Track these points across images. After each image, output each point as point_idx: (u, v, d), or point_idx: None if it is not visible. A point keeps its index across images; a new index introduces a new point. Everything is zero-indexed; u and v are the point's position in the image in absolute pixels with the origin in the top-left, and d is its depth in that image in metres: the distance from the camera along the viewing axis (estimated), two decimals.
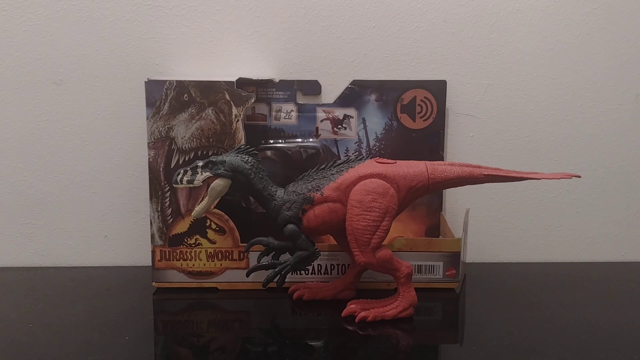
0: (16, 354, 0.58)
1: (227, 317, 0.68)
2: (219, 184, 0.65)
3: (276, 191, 0.66)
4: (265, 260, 0.68)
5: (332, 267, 0.73)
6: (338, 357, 0.58)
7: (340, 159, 0.78)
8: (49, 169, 0.81)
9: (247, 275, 0.69)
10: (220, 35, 0.79)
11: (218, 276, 0.73)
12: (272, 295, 0.71)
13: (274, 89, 0.78)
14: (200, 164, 0.65)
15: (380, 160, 0.67)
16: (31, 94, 0.79)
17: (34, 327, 0.64)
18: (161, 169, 0.72)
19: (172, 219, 0.72)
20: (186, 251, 0.73)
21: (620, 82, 0.82)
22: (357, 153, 0.79)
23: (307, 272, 0.73)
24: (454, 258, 0.73)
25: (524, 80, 0.81)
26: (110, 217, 0.82)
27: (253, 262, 0.71)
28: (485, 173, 0.66)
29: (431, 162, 0.67)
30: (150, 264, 0.74)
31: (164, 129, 0.71)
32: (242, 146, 0.67)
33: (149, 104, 0.71)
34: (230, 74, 0.76)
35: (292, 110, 0.78)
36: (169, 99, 0.70)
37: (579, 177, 0.67)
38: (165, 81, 0.70)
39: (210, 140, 0.71)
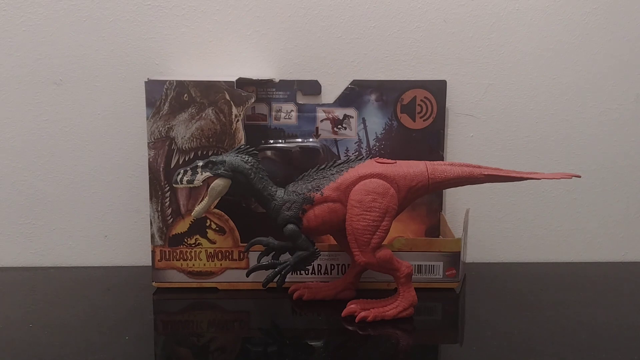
0: (16, 354, 0.58)
1: (227, 317, 0.68)
2: (219, 184, 0.65)
3: (276, 191, 0.66)
4: (265, 260, 0.68)
5: (332, 267, 0.73)
6: (338, 357, 0.58)
7: (340, 159, 0.78)
8: (49, 169, 0.81)
9: (247, 275, 0.69)
10: (220, 35, 0.79)
11: (218, 276, 0.73)
12: (272, 295, 0.71)
13: (274, 89, 0.78)
14: (200, 164, 0.65)
15: (380, 160, 0.67)
16: (31, 94, 0.79)
17: (34, 327, 0.64)
18: (161, 169, 0.72)
19: (172, 219, 0.72)
20: (186, 251, 0.73)
21: (620, 82, 0.82)
22: (357, 153, 0.79)
23: (307, 272, 0.73)
24: (454, 258, 0.73)
25: (524, 80, 0.81)
26: (111, 217, 0.82)
27: (253, 262, 0.71)
28: (485, 173, 0.66)
29: (431, 162, 0.67)
30: (150, 264, 0.74)
31: (164, 129, 0.71)
32: (242, 146, 0.67)
33: (149, 104, 0.71)
34: (230, 74, 0.76)
35: (292, 110, 0.78)
36: (169, 99, 0.70)
37: (579, 177, 0.67)
38: (165, 81, 0.70)
39: (210, 140, 0.71)
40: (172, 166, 0.71)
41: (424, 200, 0.79)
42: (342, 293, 0.70)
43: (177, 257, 0.73)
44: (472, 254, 0.84)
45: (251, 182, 0.65)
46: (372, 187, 0.64)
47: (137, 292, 0.73)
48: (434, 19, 0.80)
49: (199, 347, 0.60)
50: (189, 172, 0.65)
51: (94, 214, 0.82)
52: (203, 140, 0.71)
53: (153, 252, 0.73)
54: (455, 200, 0.83)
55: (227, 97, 0.70)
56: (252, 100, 0.71)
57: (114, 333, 0.62)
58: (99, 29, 0.78)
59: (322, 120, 0.78)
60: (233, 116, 0.71)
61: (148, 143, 0.71)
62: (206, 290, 0.73)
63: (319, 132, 0.78)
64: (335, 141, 0.79)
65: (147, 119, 0.71)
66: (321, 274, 0.74)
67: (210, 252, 0.73)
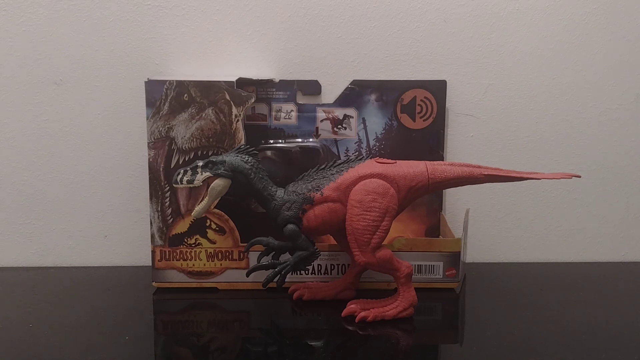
0: (16, 354, 0.58)
1: (227, 317, 0.68)
2: (219, 184, 0.65)
3: (276, 191, 0.66)
4: (265, 260, 0.68)
5: (332, 267, 0.73)
6: (338, 357, 0.58)
7: (340, 159, 0.78)
8: (49, 169, 0.81)
9: (247, 275, 0.69)
10: (220, 35, 0.79)
11: (218, 276, 0.73)
12: (272, 295, 0.71)
13: (274, 89, 0.78)
14: (200, 164, 0.65)
15: (380, 160, 0.67)
16: (31, 94, 0.79)
17: (34, 327, 0.64)
18: (161, 169, 0.72)
19: (172, 219, 0.72)
20: (186, 251, 0.73)
21: (620, 82, 0.82)
22: (357, 153, 0.79)
23: (307, 272, 0.73)
24: (454, 258, 0.73)
25: (524, 80, 0.81)
26: (110, 217, 0.82)
27: (253, 262, 0.71)
28: (485, 173, 0.66)
29: (431, 162, 0.67)
30: (150, 264, 0.74)
31: (164, 129, 0.71)
32: (242, 146, 0.67)
33: (149, 104, 0.71)
34: (230, 74, 0.76)
35: (292, 110, 0.78)
36: (169, 99, 0.70)
37: (579, 177, 0.67)
38: (165, 81, 0.70)
39: (210, 140, 0.71)
40: (172, 166, 0.71)
41: (424, 200, 0.79)
42: (342, 293, 0.70)
43: (177, 257, 0.73)
44: (472, 254, 0.84)
45: (251, 182, 0.65)
46: (372, 187, 0.64)
47: (137, 292, 0.73)
48: (434, 19, 0.80)
49: (199, 347, 0.60)
50: (189, 172, 0.65)
51: (94, 214, 0.82)
52: (203, 140, 0.71)
53: (153, 252, 0.73)
54: (455, 200, 0.83)
55: (227, 97, 0.70)
56: (252, 100, 0.71)
57: (114, 333, 0.62)
58: (99, 29, 0.78)
59: (322, 120, 0.78)
60: (233, 116, 0.71)
61: (148, 143, 0.71)
62: (206, 290, 0.73)
63: (319, 132, 0.78)
64: (335, 141, 0.79)
65: (147, 119, 0.71)
66: (321, 274, 0.74)
67: (210, 252, 0.73)
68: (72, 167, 0.81)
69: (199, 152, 0.71)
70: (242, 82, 0.74)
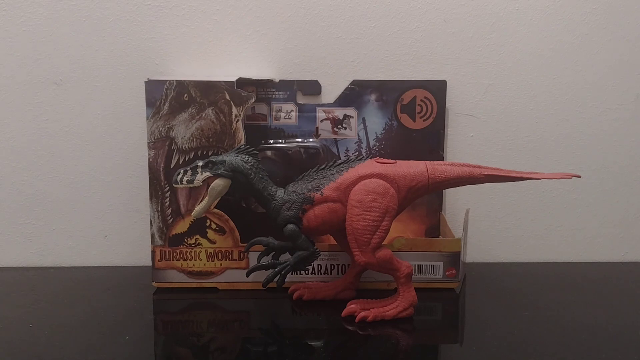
0: (16, 354, 0.58)
1: (227, 317, 0.68)
2: (219, 184, 0.65)
3: (276, 191, 0.66)
4: (265, 260, 0.68)
5: (332, 267, 0.73)
6: (338, 357, 0.58)
7: (340, 159, 0.78)
8: (49, 169, 0.81)
9: (247, 275, 0.69)
10: (220, 35, 0.79)
11: (218, 276, 0.73)
12: (272, 295, 0.71)
13: (274, 89, 0.78)
14: (200, 163, 0.65)
15: (380, 160, 0.67)
16: (31, 94, 0.79)
17: (34, 327, 0.64)
18: (161, 169, 0.72)
19: (172, 219, 0.72)
20: (186, 251, 0.73)
21: (620, 82, 0.82)
22: (357, 153, 0.79)
23: (307, 272, 0.73)
24: (454, 258, 0.73)
25: (524, 80, 0.81)
26: (110, 217, 0.82)
27: (253, 262, 0.71)
28: (485, 173, 0.66)
29: (431, 162, 0.67)
30: (150, 264, 0.74)
31: (164, 129, 0.71)
32: (242, 146, 0.67)
33: (149, 104, 0.71)
34: (230, 74, 0.76)
35: (292, 110, 0.78)
36: (169, 99, 0.70)
37: (579, 177, 0.67)
38: (165, 81, 0.70)
39: (210, 140, 0.71)
40: (172, 166, 0.71)
41: (424, 200, 0.79)
42: (342, 293, 0.70)
43: (177, 257, 0.73)
44: (472, 254, 0.84)
45: (251, 182, 0.65)
46: (372, 187, 0.64)
47: (137, 292, 0.73)
48: (434, 19, 0.80)
49: (199, 347, 0.60)
50: (189, 172, 0.65)
51: (94, 214, 0.82)
52: (203, 140, 0.71)
53: (153, 252, 0.73)
54: (455, 200, 0.83)
55: (227, 97, 0.70)
56: (252, 100, 0.71)
57: (114, 333, 0.62)
58: (99, 29, 0.78)
59: (322, 120, 0.78)
60: (233, 116, 0.71)
61: (148, 143, 0.71)
62: (206, 290, 0.73)
63: (319, 132, 0.78)
64: (335, 141, 0.79)
65: (147, 119, 0.71)
66: (321, 274, 0.74)
67: (210, 252, 0.73)
68: (72, 167, 0.81)
69: (199, 152, 0.71)
70: (242, 82, 0.74)
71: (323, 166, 0.67)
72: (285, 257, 0.67)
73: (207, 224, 0.72)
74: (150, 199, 0.72)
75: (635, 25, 0.81)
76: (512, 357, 0.58)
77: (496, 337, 0.62)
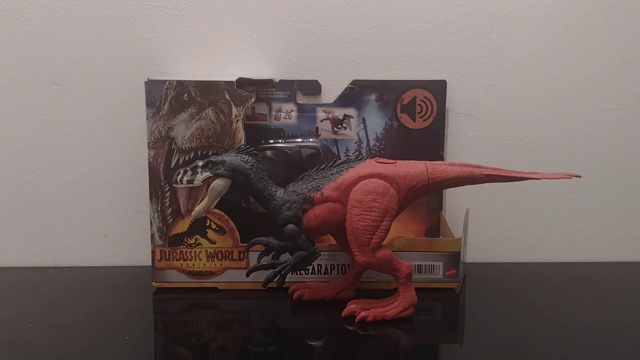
0: (16, 354, 0.58)
1: (227, 317, 0.68)
2: (219, 184, 0.65)
3: (276, 191, 0.66)
4: (265, 260, 0.68)
5: (332, 267, 0.73)
6: (338, 357, 0.58)
7: (340, 159, 0.78)
8: (49, 169, 0.81)
9: (247, 275, 0.69)
10: (220, 35, 0.79)
11: (218, 276, 0.73)
12: (272, 295, 0.71)
13: (274, 89, 0.78)
14: (200, 163, 0.65)
15: (380, 160, 0.67)
16: (31, 94, 0.79)
17: (34, 327, 0.64)
18: (161, 169, 0.72)
19: (172, 219, 0.72)
20: (186, 251, 0.73)
21: (620, 82, 0.82)
22: (357, 153, 0.79)
23: (307, 272, 0.73)
24: (454, 258, 0.73)
25: (524, 80, 0.81)
26: (110, 217, 0.82)
27: (253, 262, 0.71)
28: (485, 173, 0.66)
29: (431, 162, 0.67)
30: (150, 264, 0.74)
31: (164, 129, 0.71)
32: (242, 146, 0.67)
33: (149, 103, 0.71)
34: (230, 74, 0.76)
35: (292, 110, 0.78)
36: (169, 98, 0.70)
37: (579, 177, 0.67)
38: (165, 81, 0.70)
39: (210, 140, 0.71)
40: (172, 166, 0.71)
41: (424, 200, 0.79)
42: (342, 293, 0.70)
43: (177, 257, 0.73)
44: (472, 254, 0.84)
45: (251, 182, 0.65)
46: (372, 187, 0.64)
47: (137, 292, 0.73)
48: (434, 19, 0.80)
49: (199, 347, 0.60)
50: (189, 172, 0.65)
51: (94, 214, 0.82)
52: (203, 140, 0.71)
53: (153, 252, 0.73)
54: (455, 200, 0.83)
55: (227, 97, 0.70)
56: (252, 100, 0.71)
57: (114, 333, 0.62)
58: (99, 29, 0.78)
59: (322, 120, 0.78)
60: (233, 116, 0.71)
61: (148, 143, 0.71)
62: (206, 290, 0.73)
63: (319, 132, 0.78)
64: (335, 141, 0.79)
65: (147, 119, 0.71)
66: (321, 274, 0.74)
67: (210, 252, 0.73)
68: (72, 167, 0.81)
69: (199, 152, 0.71)
70: (242, 82, 0.74)
71: (323, 166, 0.67)
72: (285, 257, 0.67)
73: (207, 224, 0.72)
74: (150, 199, 0.72)
75: (635, 25, 0.81)
76: (512, 357, 0.58)
77: (496, 337, 0.62)
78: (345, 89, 0.78)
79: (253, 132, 0.76)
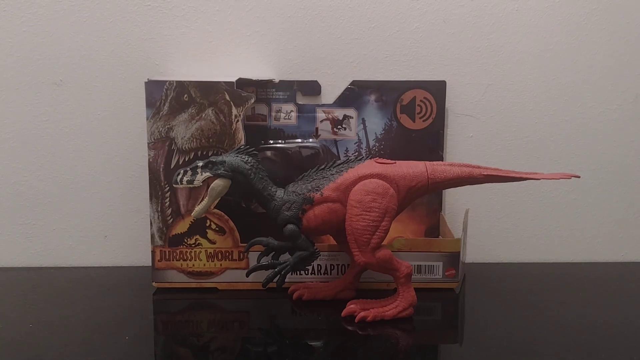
0: (16, 354, 0.58)
1: (227, 317, 0.68)
2: (218, 184, 0.65)
3: (276, 191, 0.66)
4: (265, 260, 0.68)
5: (332, 267, 0.74)
6: (338, 357, 0.58)
7: (339, 159, 0.78)
8: (49, 169, 0.81)
9: (247, 275, 0.69)
10: (220, 36, 0.79)
11: (218, 276, 0.73)
12: (271, 296, 0.71)
13: (273, 90, 0.78)
14: (200, 164, 0.65)
15: (380, 160, 0.67)
16: (31, 94, 0.79)
17: (34, 327, 0.64)
18: (161, 169, 0.72)
19: (172, 219, 0.72)
20: (186, 251, 0.73)
21: (619, 83, 0.82)
22: (356, 153, 0.79)
23: (306, 272, 0.74)
24: (453, 258, 0.73)
25: (523, 81, 0.81)
26: (110, 217, 0.82)
27: (253, 262, 0.71)
28: (485, 173, 0.67)
29: (431, 162, 0.67)
30: (150, 264, 0.74)
31: (164, 130, 0.71)
32: (242, 146, 0.67)
33: (149, 104, 0.71)
34: (230, 75, 0.76)
35: (291, 111, 0.78)
36: (169, 99, 0.71)
37: (579, 177, 0.67)
38: (165, 81, 0.70)
39: (210, 140, 0.71)
40: (172, 166, 0.71)
41: (424, 201, 0.79)
42: (341, 293, 0.70)
43: (177, 257, 0.73)
44: (472, 254, 0.84)
45: (251, 183, 0.65)
46: (372, 188, 0.64)
47: (137, 293, 0.73)
48: (434, 20, 0.80)
49: (199, 347, 0.60)
50: (189, 173, 0.65)
51: (93, 215, 0.82)
52: (203, 141, 0.71)
53: (153, 252, 0.73)
54: (455, 200, 0.83)
55: (227, 97, 0.70)
56: (252, 101, 0.71)
57: (114, 333, 0.62)
58: (99, 30, 0.78)
59: (321, 121, 0.78)
60: (233, 116, 0.71)
61: (148, 143, 0.71)
62: (206, 290, 0.73)
63: (319, 133, 0.79)
64: (335, 141, 0.79)
65: (147, 120, 0.71)
66: (321, 274, 0.74)
67: (210, 253, 0.73)
68: (72, 168, 0.81)
69: (199, 153, 0.71)
70: (242, 83, 0.74)
71: (323, 166, 0.67)
72: (285, 257, 0.67)
73: (207, 224, 0.72)
74: (150, 199, 0.72)
75: (635, 25, 0.81)
76: (511, 357, 0.58)
77: (496, 337, 0.62)
78: (344, 90, 0.78)
79: (253, 133, 0.76)
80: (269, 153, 0.78)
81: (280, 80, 0.78)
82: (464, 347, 0.61)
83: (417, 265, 0.73)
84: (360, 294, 0.70)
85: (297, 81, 0.78)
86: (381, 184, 0.64)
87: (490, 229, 0.85)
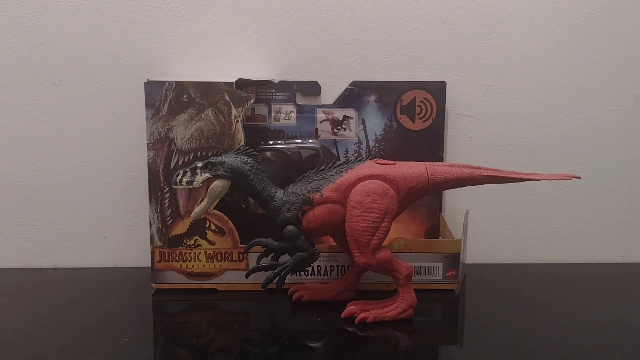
0: (15, 354, 0.58)
1: (226, 318, 0.68)
2: (218, 185, 0.65)
3: (275, 192, 0.66)
4: (265, 261, 0.68)
5: (332, 268, 0.73)
6: (338, 359, 0.58)
7: (339, 160, 0.78)
8: (49, 170, 0.81)
9: (247, 276, 0.69)
10: (219, 36, 0.79)
11: (217, 277, 0.73)
12: (271, 297, 0.71)
13: (273, 90, 0.78)
14: (200, 164, 0.65)
15: (380, 161, 0.67)
16: (31, 94, 0.79)
17: (34, 328, 0.64)
18: (160, 170, 0.71)
19: (171, 220, 0.72)
20: (185, 252, 0.73)
21: (619, 83, 0.82)
22: (356, 154, 0.79)
23: (306, 273, 0.73)
24: (453, 259, 0.73)
25: (523, 81, 0.81)
26: (110, 218, 0.82)
27: (252, 263, 0.71)
28: (485, 174, 0.66)
29: (431, 163, 0.67)
30: (150, 265, 0.74)
31: (164, 130, 0.71)
32: (242, 147, 0.67)
33: (149, 104, 0.71)
34: (229, 75, 0.76)
35: (291, 111, 0.78)
36: (168, 99, 0.70)
37: (579, 178, 0.67)
38: (164, 82, 0.70)
39: (210, 141, 0.71)
40: (171, 167, 0.71)
41: (424, 202, 0.79)
42: (341, 294, 0.70)
43: (177, 258, 0.73)
44: (472, 255, 0.84)
45: (250, 183, 0.65)
46: (372, 188, 0.64)
47: (136, 294, 0.73)
48: (434, 20, 0.80)
49: (198, 348, 0.60)
50: (189, 173, 0.65)
51: (93, 215, 0.82)
52: (202, 141, 0.71)
53: (152, 253, 0.73)
54: (455, 201, 0.83)
55: (227, 98, 0.70)
56: (252, 101, 0.71)
57: (113, 334, 0.62)
58: (99, 30, 0.78)
59: (321, 121, 0.78)
60: (232, 117, 0.71)
61: (147, 144, 0.71)
62: (205, 291, 0.73)
63: (319, 133, 0.78)
64: (335, 142, 0.79)
65: (146, 120, 0.71)
66: (321, 275, 0.74)
67: (210, 253, 0.73)
68: (72, 168, 0.81)
69: (199, 153, 0.71)
70: (242, 83, 0.74)
71: (322, 167, 0.67)
72: (285, 258, 0.67)
73: (207, 225, 0.72)
74: (150, 200, 0.72)
75: (634, 25, 0.81)
76: (511, 358, 0.58)
77: (496, 338, 0.62)
78: (344, 90, 0.78)
79: (252, 133, 0.76)
80: (268, 154, 0.77)
81: (279, 81, 0.78)
82: (464, 349, 0.61)
83: (417, 266, 0.73)
84: (360, 295, 0.70)
85: (296, 82, 0.78)
86: (381, 185, 0.64)
87: (491, 230, 0.85)
